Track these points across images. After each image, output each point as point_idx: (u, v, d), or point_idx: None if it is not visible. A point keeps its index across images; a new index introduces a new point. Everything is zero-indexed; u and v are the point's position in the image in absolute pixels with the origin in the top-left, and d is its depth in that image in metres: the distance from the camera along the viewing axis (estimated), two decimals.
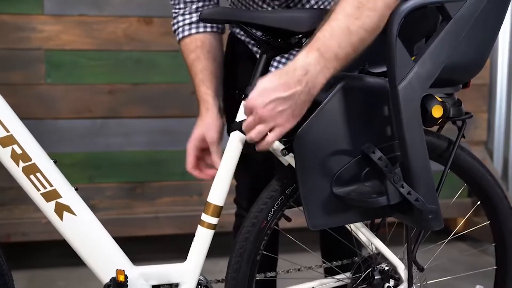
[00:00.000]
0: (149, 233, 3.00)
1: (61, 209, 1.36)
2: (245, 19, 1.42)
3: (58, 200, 1.35)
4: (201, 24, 1.60)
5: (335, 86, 1.34)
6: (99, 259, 1.40)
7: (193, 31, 1.61)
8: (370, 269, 1.53)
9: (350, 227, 1.52)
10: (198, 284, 1.46)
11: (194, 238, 1.45)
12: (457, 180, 1.58)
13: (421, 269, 1.52)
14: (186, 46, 1.62)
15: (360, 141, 1.34)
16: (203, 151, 1.61)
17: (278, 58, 1.62)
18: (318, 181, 1.35)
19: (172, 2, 1.65)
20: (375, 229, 1.56)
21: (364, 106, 1.36)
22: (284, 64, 1.64)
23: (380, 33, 1.28)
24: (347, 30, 1.25)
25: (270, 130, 1.28)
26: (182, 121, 3.00)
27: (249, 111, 1.28)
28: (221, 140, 1.58)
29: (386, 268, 1.54)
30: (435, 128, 1.49)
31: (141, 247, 2.91)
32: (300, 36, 1.43)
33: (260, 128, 1.27)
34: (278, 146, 1.41)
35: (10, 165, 1.33)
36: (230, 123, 1.57)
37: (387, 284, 1.52)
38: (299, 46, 1.43)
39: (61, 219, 1.36)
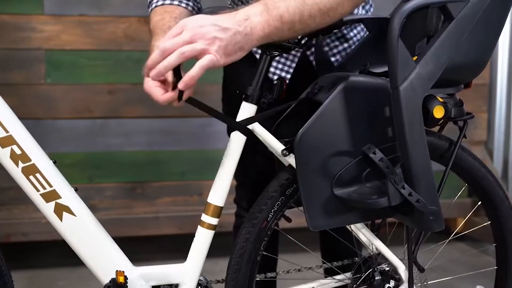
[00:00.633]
0: (149, 233, 3.00)
1: (60, 209, 1.35)
2: None
3: (58, 200, 1.35)
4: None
5: (336, 86, 1.34)
6: (98, 260, 1.40)
7: (167, 1, 1.58)
8: (371, 269, 1.53)
9: (350, 227, 1.52)
10: (198, 284, 1.46)
11: (194, 239, 1.45)
12: (457, 180, 1.58)
13: (421, 269, 1.52)
14: (154, 13, 1.56)
15: (361, 142, 1.33)
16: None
17: (278, 58, 1.62)
18: (318, 182, 1.35)
19: None
20: (375, 230, 1.56)
21: (365, 107, 1.35)
22: (283, 64, 1.64)
23: (382, 34, 1.28)
24: (302, 0, 1.25)
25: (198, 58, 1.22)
26: (182, 121, 3.00)
27: (179, 30, 1.23)
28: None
29: (387, 268, 1.54)
30: (436, 128, 1.49)
31: (141, 247, 2.91)
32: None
33: (191, 46, 1.21)
34: (279, 146, 1.41)
35: (9, 165, 1.32)
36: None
37: (387, 285, 1.52)
38: (299, 45, 1.43)
39: (61, 220, 1.36)
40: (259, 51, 1.45)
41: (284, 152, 1.40)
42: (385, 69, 1.30)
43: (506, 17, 1.37)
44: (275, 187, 1.44)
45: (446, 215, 1.37)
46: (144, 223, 2.98)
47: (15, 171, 1.33)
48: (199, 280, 1.46)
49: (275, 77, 1.64)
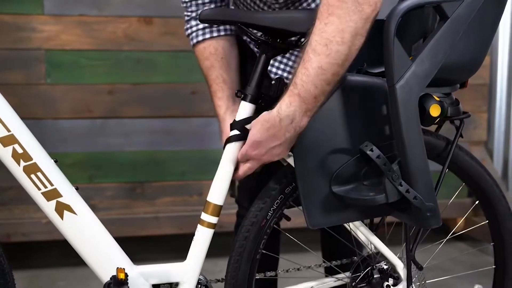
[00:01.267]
0: (149, 233, 3.00)
1: (61, 208, 1.36)
2: (244, 20, 1.42)
3: (59, 199, 1.36)
4: (214, 28, 1.61)
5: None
6: (99, 258, 1.41)
7: (207, 36, 1.61)
8: (369, 268, 1.54)
9: (349, 226, 1.53)
10: (198, 283, 1.47)
11: (194, 238, 1.46)
12: (456, 180, 1.59)
13: (420, 268, 1.53)
14: (200, 53, 1.62)
15: (358, 140, 1.34)
16: None
17: (278, 58, 1.63)
18: (317, 180, 1.36)
19: (184, 5, 1.64)
20: (374, 229, 1.57)
21: (362, 106, 1.36)
22: (284, 64, 1.64)
23: (378, 33, 1.29)
24: (320, 69, 1.29)
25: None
26: (182, 121, 3.00)
27: (246, 159, 1.40)
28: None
29: (385, 267, 1.55)
30: (433, 128, 1.50)
31: (141, 247, 2.91)
32: (298, 36, 1.43)
33: (262, 162, 1.40)
34: None
35: (11, 164, 1.33)
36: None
37: (386, 283, 1.53)
38: (298, 46, 1.43)
39: (62, 218, 1.37)
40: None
41: None
42: (382, 69, 1.31)
43: (501, 17, 1.38)
44: (274, 186, 1.45)
45: (444, 215, 1.37)
46: (144, 223, 2.98)
47: (17, 170, 1.33)
48: (199, 279, 1.47)
49: (275, 77, 1.64)
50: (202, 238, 1.45)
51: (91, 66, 2.90)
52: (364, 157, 1.33)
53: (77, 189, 1.40)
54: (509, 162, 3.42)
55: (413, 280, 1.53)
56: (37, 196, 1.35)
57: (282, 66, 1.65)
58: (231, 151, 1.43)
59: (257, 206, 1.45)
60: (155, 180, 3.02)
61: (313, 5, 1.58)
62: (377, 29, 1.30)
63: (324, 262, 1.64)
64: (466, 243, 3.15)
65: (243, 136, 1.41)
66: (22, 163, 1.33)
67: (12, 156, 1.32)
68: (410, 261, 1.51)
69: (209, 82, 1.61)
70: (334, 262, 1.61)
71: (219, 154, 1.47)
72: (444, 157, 1.48)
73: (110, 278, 1.37)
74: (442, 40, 1.28)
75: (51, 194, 1.35)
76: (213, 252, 1.52)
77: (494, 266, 1.64)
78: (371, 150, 1.31)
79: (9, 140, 1.32)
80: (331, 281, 1.57)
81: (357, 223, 1.51)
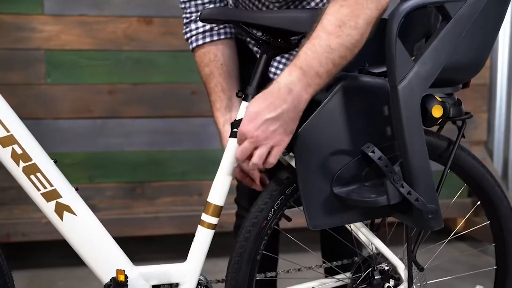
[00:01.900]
0: (149, 233, 3.00)
1: (61, 209, 1.36)
2: (245, 19, 1.42)
3: (58, 200, 1.35)
4: (214, 32, 1.59)
5: (335, 86, 1.34)
6: (99, 259, 1.40)
7: (207, 39, 1.59)
8: (370, 269, 1.53)
9: (350, 227, 1.52)
10: (198, 284, 1.46)
11: (194, 238, 1.45)
12: (457, 180, 1.58)
13: (421, 269, 1.52)
14: (200, 59, 1.61)
15: (360, 141, 1.34)
16: None
17: (278, 58, 1.62)
18: (318, 181, 1.35)
19: (183, 6, 1.62)
20: (375, 229, 1.56)
21: (364, 106, 1.36)
22: (284, 64, 1.64)
23: (380, 33, 1.28)
24: (328, 48, 1.28)
25: (269, 152, 1.31)
26: (182, 121, 3.00)
27: (243, 138, 1.31)
28: None
29: (386, 268, 1.54)
30: (435, 128, 1.49)
31: (141, 247, 2.91)
32: (300, 36, 1.43)
33: (259, 152, 1.31)
34: None
35: (10, 165, 1.33)
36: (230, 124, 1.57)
37: (387, 284, 1.52)
38: (298, 46, 1.43)
39: (61, 219, 1.36)
40: (259, 51, 1.45)
41: (284, 151, 1.40)
42: (384, 69, 1.31)
43: (504, 17, 1.37)
44: (275, 186, 1.45)
45: (445, 215, 1.37)
46: (144, 223, 2.98)
47: (16, 171, 1.33)
48: (199, 279, 1.47)
49: (275, 77, 1.64)
50: (202, 238, 1.45)
51: (91, 66, 2.89)
52: (366, 159, 1.33)
53: (76, 189, 1.40)
54: (509, 162, 3.42)
55: (414, 281, 1.52)
56: (37, 197, 1.35)
57: (281, 66, 1.65)
58: (231, 151, 1.43)
59: (258, 206, 1.45)
60: (155, 180, 3.02)
61: (312, 4, 1.58)
62: (379, 29, 1.30)
63: (324, 262, 1.64)
64: (467, 243, 3.15)
65: None
66: (22, 164, 1.32)
67: (12, 156, 1.32)
68: (411, 262, 1.50)
69: (208, 90, 1.60)
70: (334, 262, 1.60)
71: (219, 154, 1.46)
72: (445, 158, 1.48)
73: (110, 280, 1.37)
74: (445, 40, 1.27)
75: (51, 195, 1.35)
76: (213, 252, 1.51)
77: (495, 267, 1.63)
78: (373, 151, 1.31)
79: (9, 140, 1.32)
80: (331, 281, 1.57)
81: (358, 223, 1.51)
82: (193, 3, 1.60)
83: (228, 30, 1.61)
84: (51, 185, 1.35)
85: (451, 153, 1.47)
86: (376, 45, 1.30)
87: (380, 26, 1.30)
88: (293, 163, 1.38)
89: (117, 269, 1.37)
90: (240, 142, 1.32)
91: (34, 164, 1.33)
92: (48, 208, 1.35)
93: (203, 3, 1.59)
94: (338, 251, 1.69)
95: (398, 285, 1.53)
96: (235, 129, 1.42)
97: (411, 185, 1.28)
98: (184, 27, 1.63)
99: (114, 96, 2.93)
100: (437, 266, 1.65)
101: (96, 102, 2.91)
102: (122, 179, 2.98)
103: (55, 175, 1.36)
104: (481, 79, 3.26)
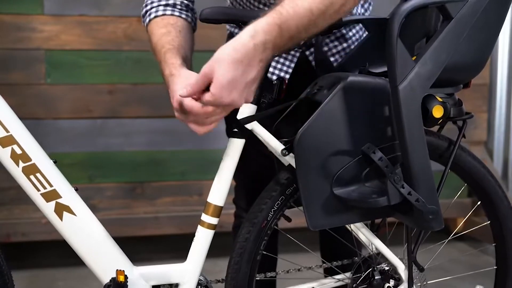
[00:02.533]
0: (149, 233, 3.00)
1: (61, 209, 1.36)
2: (245, 19, 1.41)
3: (58, 200, 1.35)
4: (178, 8, 1.52)
5: (336, 86, 1.34)
6: (99, 259, 1.40)
7: (168, 12, 1.51)
8: (370, 269, 1.53)
9: (350, 227, 1.52)
10: (198, 284, 1.46)
11: (194, 238, 1.45)
12: (457, 180, 1.58)
13: (421, 269, 1.53)
14: (156, 24, 1.49)
15: (360, 141, 1.34)
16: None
17: (276, 57, 1.62)
18: (318, 181, 1.35)
19: None
20: (375, 229, 1.56)
21: (364, 106, 1.36)
22: (282, 64, 1.64)
23: (381, 34, 1.28)
24: (309, 11, 1.23)
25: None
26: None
27: (218, 102, 1.19)
28: None
29: (386, 268, 1.54)
30: (435, 128, 1.49)
31: (141, 247, 2.91)
32: None
33: (230, 107, 1.22)
34: (278, 146, 1.41)
35: (10, 165, 1.33)
36: (230, 124, 1.57)
37: (387, 284, 1.52)
38: (298, 45, 1.43)
39: (61, 219, 1.36)
40: None
41: (284, 151, 1.40)
42: (385, 69, 1.30)
43: (505, 17, 1.37)
44: (275, 187, 1.44)
45: (445, 215, 1.37)
46: (144, 223, 2.98)
47: (16, 171, 1.33)
48: (199, 279, 1.47)
49: (274, 77, 1.64)
50: (202, 239, 1.44)
51: (91, 66, 2.89)
52: (366, 159, 1.33)
53: (76, 189, 1.39)
54: (509, 162, 3.42)
55: (414, 281, 1.52)
56: (36, 197, 1.34)
57: (279, 66, 1.65)
58: (231, 151, 1.43)
59: (258, 207, 1.45)
60: (155, 180, 3.02)
61: None
62: (379, 28, 1.30)
63: (324, 262, 1.64)
64: (467, 243, 3.15)
65: (243, 135, 1.41)
66: (21, 164, 1.32)
67: (11, 157, 1.32)
68: (411, 262, 1.50)
69: (161, 45, 1.42)
70: (334, 262, 1.60)
71: (219, 154, 1.46)
72: (446, 158, 1.48)
73: (110, 280, 1.37)
74: (446, 40, 1.27)
75: (50, 195, 1.35)
76: (213, 252, 1.51)
77: (495, 267, 1.63)
78: (373, 152, 1.30)
79: (8, 140, 1.31)
80: (331, 282, 1.57)
81: (358, 224, 1.51)
82: None
83: (190, 18, 1.55)
84: (51, 185, 1.34)
85: (452, 153, 1.47)
86: (376, 45, 1.30)
87: (381, 26, 1.29)
88: (293, 164, 1.38)
89: (117, 270, 1.37)
90: (210, 104, 1.20)
91: (34, 164, 1.33)
92: (47, 208, 1.35)
93: None
94: (338, 251, 1.69)
95: (398, 285, 1.53)
96: (235, 129, 1.42)
97: (412, 185, 1.28)
98: (145, 4, 1.57)
99: (114, 96, 2.93)
100: (437, 266, 1.65)
101: (96, 102, 2.91)
102: (122, 179, 2.99)
103: (54, 175, 1.35)
104: (481, 79, 3.26)
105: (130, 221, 2.96)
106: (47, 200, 1.35)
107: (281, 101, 1.44)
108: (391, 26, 1.24)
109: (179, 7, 1.54)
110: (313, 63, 1.64)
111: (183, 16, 1.53)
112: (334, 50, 1.65)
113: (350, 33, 1.66)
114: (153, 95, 2.95)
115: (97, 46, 2.89)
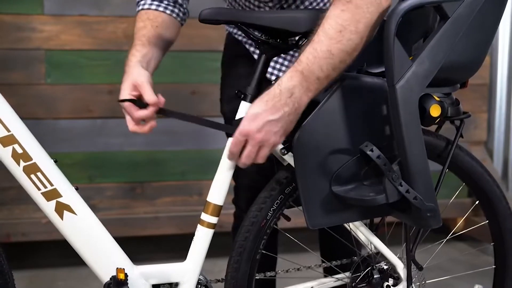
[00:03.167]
0: (149, 233, 3.00)
1: (61, 208, 1.36)
2: (244, 20, 1.42)
3: (59, 199, 1.36)
4: (164, 3, 1.59)
5: (334, 85, 1.35)
6: (99, 258, 1.41)
7: (153, 7, 1.59)
8: (369, 268, 1.54)
9: (349, 226, 1.53)
10: (198, 283, 1.47)
11: (194, 238, 1.46)
12: (456, 180, 1.59)
13: (420, 268, 1.53)
14: (139, 17, 1.60)
15: (359, 140, 1.34)
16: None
17: (275, 58, 1.63)
18: (317, 180, 1.35)
19: None
20: (374, 228, 1.57)
21: (362, 106, 1.36)
22: (280, 64, 1.64)
23: (378, 33, 1.29)
24: (329, 53, 1.29)
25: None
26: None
27: (244, 137, 1.32)
28: (151, 84, 1.56)
29: (385, 267, 1.55)
30: (433, 128, 1.50)
31: (141, 247, 2.91)
32: (298, 36, 1.43)
33: (262, 153, 1.33)
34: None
35: (11, 164, 1.33)
36: (229, 124, 1.57)
37: (386, 283, 1.53)
38: (298, 46, 1.43)
39: (62, 219, 1.37)
40: (257, 51, 1.46)
41: (283, 151, 1.41)
42: (382, 69, 1.31)
43: (501, 17, 1.38)
44: (274, 186, 1.45)
45: (444, 215, 1.37)
46: (144, 223, 2.98)
47: (17, 170, 1.33)
48: (199, 279, 1.47)
49: (273, 77, 1.65)
50: (202, 238, 1.45)
51: (91, 66, 2.89)
52: (364, 157, 1.33)
53: (77, 189, 1.40)
54: (509, 162, 3.42)
55: (413, 280, 1.53)
56: (37, 196, 1.35)
57: (278, 66, 1.65)
58: None
59: (257, 206, 1.45)
60: (155, 180, 3.02)
61: (306, 3, 1.58)
62: (378, 29, 1.30)
63: (324, 262, 1.64)
64: (466, 243, 3.15)
65: None
66: (22, 163, 1.33)
67: (12, 156, 1.32)
68: (410, 261, 1.51)
69: (136, 38, 1.58)
70: (334, 262, 1.61)
71: (219, 154, 1.47)
72: (444, 157, 1.48)
73: (110, 279, 1.37)
74: (443, 40, 1.28)
75: (51, 194, 1.35)
76: (213, 252, 1.52)
77: (494, 266, 1.64)
78: (371, 150, 1.31)
79: (9, 140, 1.32)
80: (331, 281, 1.57)
81: (357, 223, 1.51)
82: None
83: (182, 14, 1.61)
84: (51, 185, 1.35)
85: (450, 152, 1.48)
86: (374, 45, 1.31)
87: (379, 26, 1.30)
88: (292, 163, 1.39)
89: (117, 268, 1.38)
90: (236, 140, 1.33)
91: (35, 163, 1.34)
92: (48, 207, 1.36)
93: None
94: (337, 250, 1.69)
95: (397, 284, 1.53)
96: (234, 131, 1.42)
97: (410, 183, 1.29)
98: None
99: (114, 96, 2.90)
100: (436, 265, 1.65)
101: (96, 102, 2.91)
102: (122, 179, 2.98)
103: (55, 174, 1.36)
104: (481, 79, 3.26)
105: (130, 221, 2.96)
106: (48, 199, 1.35)
107: None
108: (388, 26, 1.25)
109: (166, 2, 1.58)
110: None
111: (168, 11, 1.59)
112: None
113: None
114: None
115: (97, 46, 2.89)
